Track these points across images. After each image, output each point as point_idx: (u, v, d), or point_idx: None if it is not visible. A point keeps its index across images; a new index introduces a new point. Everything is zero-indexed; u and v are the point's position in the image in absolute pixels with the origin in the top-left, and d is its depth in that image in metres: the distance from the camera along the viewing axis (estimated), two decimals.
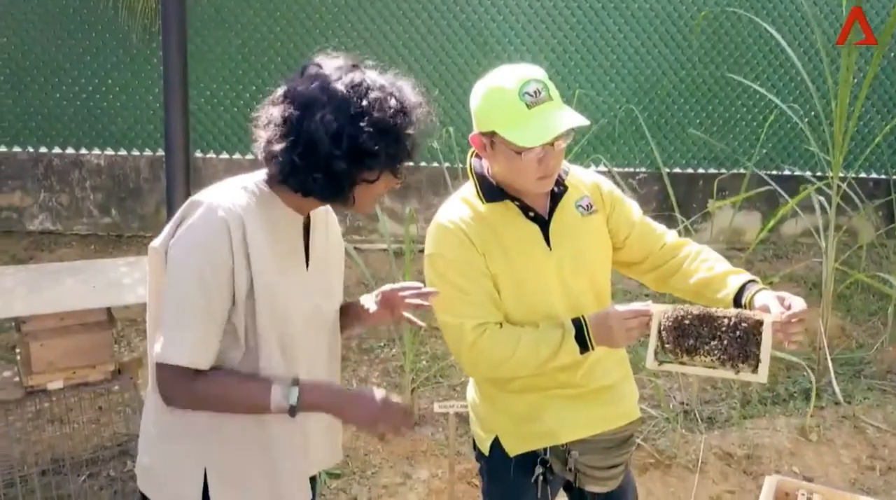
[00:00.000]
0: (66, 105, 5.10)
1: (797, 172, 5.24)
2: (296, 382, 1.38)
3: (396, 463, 3.18)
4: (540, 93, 1.53)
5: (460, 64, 5.20)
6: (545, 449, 1.72)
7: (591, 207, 1.73)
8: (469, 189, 1.70)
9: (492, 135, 1.56)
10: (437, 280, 1.64)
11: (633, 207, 1.82)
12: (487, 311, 1.63)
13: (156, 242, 1.42)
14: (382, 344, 4.11)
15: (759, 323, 1.57)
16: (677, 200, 3.81)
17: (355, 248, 4.58)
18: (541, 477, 1.72)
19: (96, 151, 5.18)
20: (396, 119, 1.36)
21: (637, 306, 1.60)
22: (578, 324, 1.61)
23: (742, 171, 5.17)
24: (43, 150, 5.12)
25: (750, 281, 1.69)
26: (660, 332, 1.60)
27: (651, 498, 2.97)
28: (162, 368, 1.36)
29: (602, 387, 1.74)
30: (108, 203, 5.24)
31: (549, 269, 1.67)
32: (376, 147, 1.34)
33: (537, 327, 1.63)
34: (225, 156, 5.23)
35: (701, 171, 5.50)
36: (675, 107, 5.37)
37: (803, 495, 2.11)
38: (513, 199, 1.65)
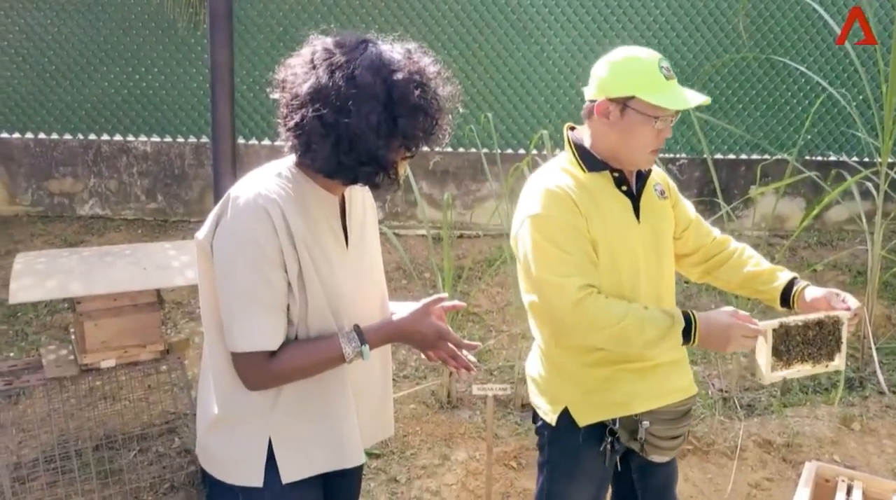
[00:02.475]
0: (115, 93, 5.24)
1: (843, 158, 5.13)
2: (357, 331, 1.45)
3: (434, 445, 3.23)
4: (670, 70, 1.65)
5: (499, 49, 5.19)
6: (614, 420, 1.78)
7: (664, 193, 1.85)
8: (565, 160, 1.78)
9: (627, 100, 1.63)
10: (542, 240, 1.67)
11: (688, 203, 1.94)
12: (590, 274, 1.67)
13: (200, 234, 1.44)
14: None
15: (838, 320, 1.76)
16: (720, 186, 3.76)
17: (395, 233, 4.64)
18: (608, 446, 1.79)
19: (143, 138, 5.32)
20: (426, 95, 1.36)
21: (752, 322, 1.68)
22: (688, 319, 1.66)
23: (786, 156, 5.08)
24: (92, 137, 5.27)
25: (794, 277, 1.84)
26: (775, 346, 1.72)
27: (688, 484, 2.96)
28: (239, 357, 1.41)
29: (668, 361, 1.81)
30: (155, 189, 5.38)
31: (637, 241, 1.75)
32: (416, 129, 1.37)
33: (645, 309, 1.67)
34: (267, 142, 5.31)
35: (743, 156, 5.41)
36: (717, 91, 5.28)
37: (843, 481, 2.10)
38: (611, 170, 1.73)
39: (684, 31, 5.22)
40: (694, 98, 1.63)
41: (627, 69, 1.64)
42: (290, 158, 1.47)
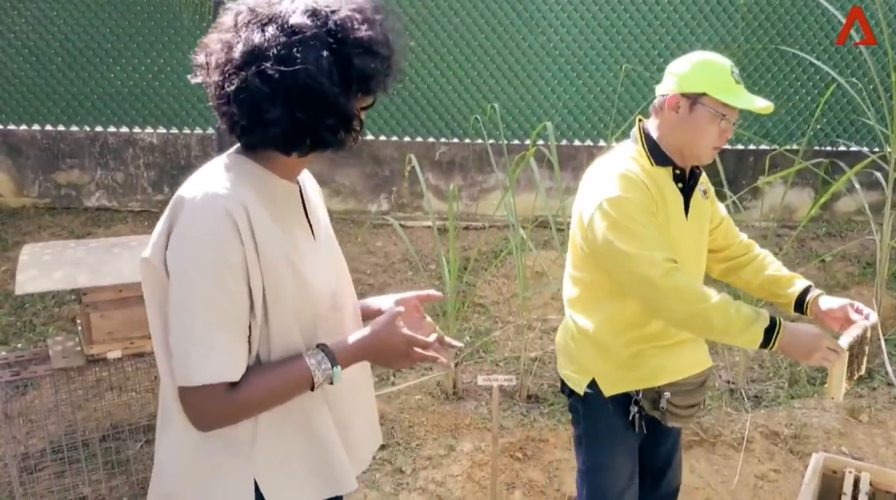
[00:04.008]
0: (121, 85, 5.25)
1: (853, 148, 5.09)
2: (325, 351, 1.29)
3: (440, 435, 3.23)
4: (739, 76, 1.80)
5: (505, 39, 5.16)
6: (638, 391, 1.91)
7: (706, 193, 1.96)
8: (632, 150, 1.86)
9: (698, 96, 1.75)
10: (624, 220, 1.72)
11: (720, 203, 2.05)
12: (670, 251, 1.74)
13: (147, 253, 1.23)
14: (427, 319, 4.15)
15: (866, 330, 1.86)
16: (727, 177, 3.73)
17: (401, 225, 4.63)
18: (636, 415, 1.92)
19: (149, 130, 5.32)
20: (373, 29, 1.22)
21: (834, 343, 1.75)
22: (773, 321, 1.70)
23: (795, 146, 5.04)
24: (99, 129, 5.28)
25: (810, 285, 1.95)
26: (849, 366, 1.78)
27: (695, 476, 2.96)
28: (194, 392, 1.19)
29: (689, 339, 1.93)
30: (161, 180, 5.39)
31: (685, 237, 1.86)
32: (372, 67, 1.21)
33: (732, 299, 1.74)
34: None
35: (752, 147, 5.38)
36: None
37: (850, 472, 2.09)
38: (674, 166, 1.83)
39: (692, 20, 5.18)
40: (758, 101, 1.75)
41: (703, 69, 1.77)
42: (235, 149, 1.31)
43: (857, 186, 3.71)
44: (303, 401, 1.32)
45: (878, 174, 3.64)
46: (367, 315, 1.52)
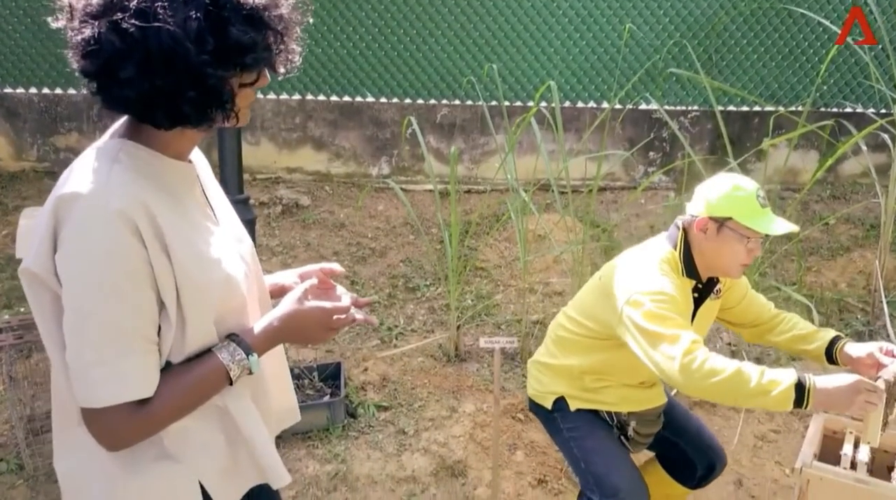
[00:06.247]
0: None
1: (859, 110, 5.02)
2: (236, 341, 1.20)
3: (442, 397, 3.26)
4: (766, 200, 1.92)
5: None
6: (606, 412, 2.12)
7: (719, 292, 2.09)
8: (666, 253, 1.98)
9: (725, 220, 1.90)
10: (660, 307, 1.81)
11: (743, 281, 2.17)
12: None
13: (28, 263, 1.08)
14: (428, 283, 4.16)
15: None
16: (731, 139, 3.70)
17: (402, 188, 4.61)
18: (605, 415, 2.12)
19: None
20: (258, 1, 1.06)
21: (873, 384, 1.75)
22: (802, 386, 1.69)
23: (800, 108, 4.98)
24: None
25: (837, 336, 2.04)
26: (886, 406, 1.76)
27: None
28: (100, 413, 1.07)
29: (654, 380, 2.11)
30: None
31: None
32: (253, 41, 1.06)
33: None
34: (272, 96, 5.25)
35: (757, 108, 5.32)
36: (731, 42, 5.16)
37: (851, 433, 2.10)
38: (697, 280, 2.00)
39: None
40: (782, 226, 1.87)
41: (729, 195, 1.90)
42: (114, 134, 1.14)
43: (864, 148, 3.66)
44: (223, 395, 1.22)
45: (886, 136, 3.59)
46: (270, 293, 1.43)
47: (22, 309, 3.75)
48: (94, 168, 1.07)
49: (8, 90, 5.19)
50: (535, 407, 2.21)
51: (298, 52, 1.16)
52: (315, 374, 3.21)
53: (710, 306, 2.08)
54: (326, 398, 3.09)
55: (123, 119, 1.16)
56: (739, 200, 1.89)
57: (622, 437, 2.12)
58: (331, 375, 3.22)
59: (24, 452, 2.74)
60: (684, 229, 1.99)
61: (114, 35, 1.01)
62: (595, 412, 2.11)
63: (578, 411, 2.10)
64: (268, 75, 1.15)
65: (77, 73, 1.08)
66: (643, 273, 1.90)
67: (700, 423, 2.28)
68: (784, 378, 1.67)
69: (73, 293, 1.04)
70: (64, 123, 5.24)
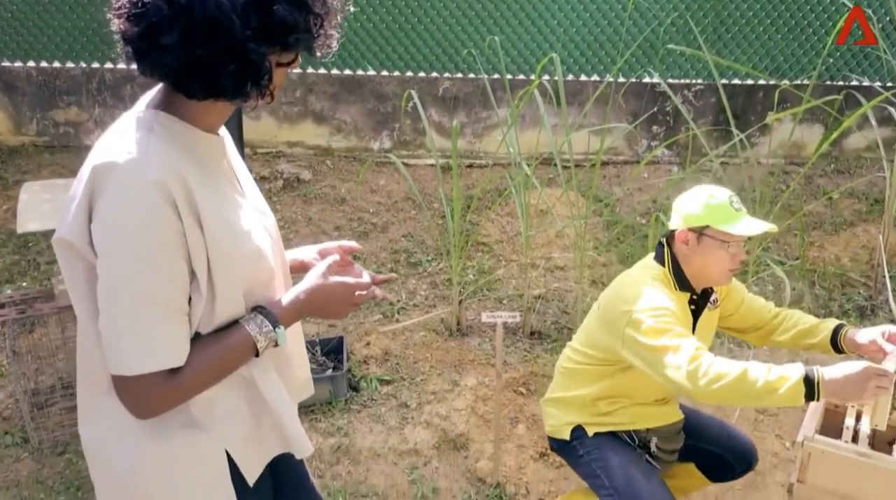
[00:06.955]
0: None
1: (865, 82, 4.97)
2: (263, 313, 1.22)
3: (444, 371, 3.27)
4: (741, 204, 1.96)
5: None
6: (624, 431, 2.11)
7: (716, 302, 2.11)
8: (656, 271, 2.01)
9: (702, 229, 1.93)
10: (659, 321, 1.83)
11: (739, 287, 2.18)
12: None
13: (62, 232, 1.10)
14: (430, 258, 4.16)
15: None
16: (735, 113, 3.66)
17: (403, 163, 4.58)
18: (625, 436, 2.11)
19: None
20: None
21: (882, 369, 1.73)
22: (811, 380, 1.68)
23: (805, 81, 4.92)
24: (95, 65, 5.18)
25: (839, 324, 2.04)
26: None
27: None
28: (132, 381, 1.10)
29: (665, 397, 2.13)
30: None
31: None
32: (297, 21, 1.08)
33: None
34: None
35: (762, 82, 5.26)
36: (737, 13, 5.09)
37: (853, 406, 2.11)
38: (692, 292, 2.02)
39: None
40: (759, 226, 1.91)
41: (704, 204, 1.94)
42: (149, 104, 1.16)
43: (873, 121, 3.61)
44: (249, 366, 1.25)
45: (892, 109, 3.56)
46: (290, 269, 1.45)
47: (24, 284, 3.76)
48: (131, 138, 1.09)
49: (6, 64, 5.14)
50: (556, 444, 2.19)
51: (336, 37, 1.17)
52: (318, 348, 3.22)
53: (710, 316, 2.10)
54: (329, 372, 3.11)
55: (156, 89, 1.18)
56: (714, 207, 1.93)
57: (648, 456, 2.10)
58: (333, 349, 3.23)
59: (29, 425, 2.75)
60: (668, 245, 2.01)
61: (162, 1, 1.02)
62: (615, 434, 2.09)
63: (597, 435, 2.08)
64: (300, 58, 1.17)
65: (116, 36, 1.09)
66: (638, 293, 1.92)
67: (723, 423, 2.28)
68: (791, 374, 1.67)
69: (108, 263, 1.06)
70: (63, 96, 5.20)
